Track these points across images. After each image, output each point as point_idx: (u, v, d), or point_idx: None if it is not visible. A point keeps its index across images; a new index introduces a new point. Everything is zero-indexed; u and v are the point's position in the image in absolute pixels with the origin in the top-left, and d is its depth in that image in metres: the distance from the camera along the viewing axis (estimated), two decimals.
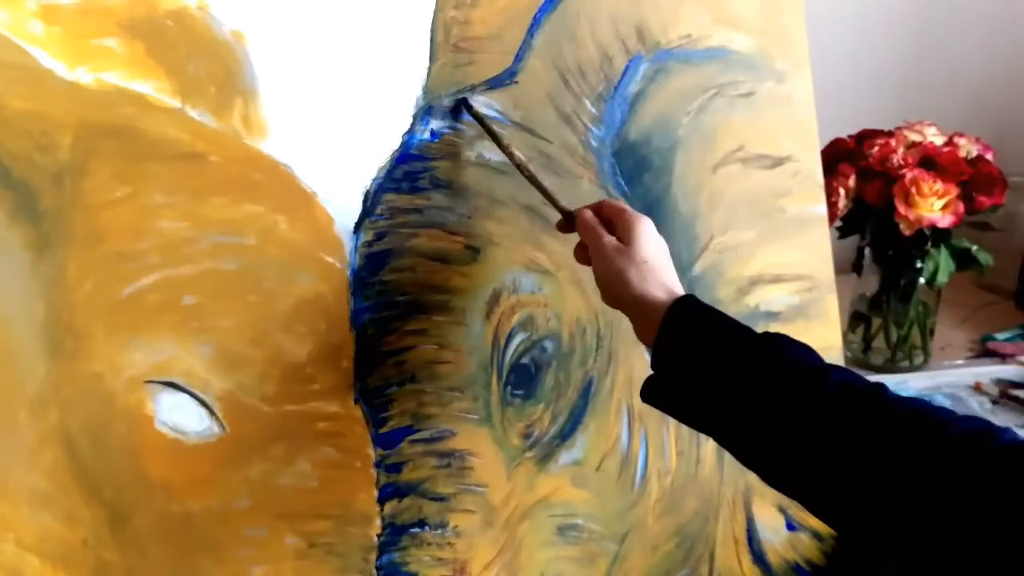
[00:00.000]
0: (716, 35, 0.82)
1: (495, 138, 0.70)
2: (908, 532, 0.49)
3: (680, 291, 0.63)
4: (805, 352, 0.58)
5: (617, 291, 0.64)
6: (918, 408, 0.52)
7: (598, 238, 0.66)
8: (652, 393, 0.62)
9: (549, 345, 0.78)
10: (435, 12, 0.68)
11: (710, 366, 0.58)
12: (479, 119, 0.70)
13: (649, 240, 0.65)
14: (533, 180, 0.70)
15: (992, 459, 0.47)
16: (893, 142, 1.09)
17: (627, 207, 0.67)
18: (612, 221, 0.66)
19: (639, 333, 0.64)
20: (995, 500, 0.46)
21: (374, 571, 0.70)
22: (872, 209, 1.10)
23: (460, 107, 0.70)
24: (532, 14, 0.72)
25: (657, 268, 0.64)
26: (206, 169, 0.60)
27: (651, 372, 0.62)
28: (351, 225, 0.66)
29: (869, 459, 0.51)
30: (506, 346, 0.75)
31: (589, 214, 0.67)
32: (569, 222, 0.69)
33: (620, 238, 0.65)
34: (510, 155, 0.70)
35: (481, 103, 0.71)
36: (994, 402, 1.11)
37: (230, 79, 0.59)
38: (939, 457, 0.49)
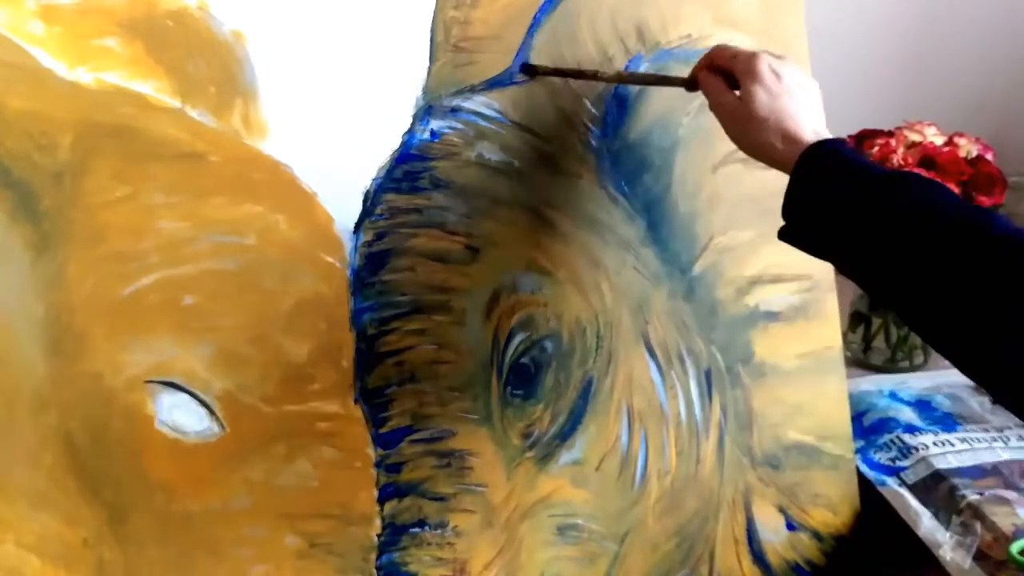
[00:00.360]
0: (716, 35, 0.82)
1: (580, 75, 0.72)
2: None
3: (805, 137, 0.61)
4: (934, 188, 0.57)
5: (743, 147, 0.65)
6: None
7: (718, 98, 0.65)
8: (792, 230, 0.62)
9: (549, 345, 0.78)
10: (435, 12, 0.68)
11: (842, 214, 0.58)
12: (551, 72, 0.72)
13: (764, 90, 0.63)
14: (639, 79, 0.71)
15: None
16: (893, 142, 1.09)
17: (737, 51, 0.66)
18: (730, 70, 0.65)
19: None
20: None
21: (374, 571, 0.70)
22: None
23: (528, 70, 0.71)
24: (532, 14, 0.72)
25: (779, 118, 0.62)
26: (206, 169, 0.60)
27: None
28: (351, 225, 0.66)
29: (987, 293, 0.50)
30: (506, 346, 0.75)
31: (706, 74, 0.67)
32: (692, 88, 0.69)
33: (740, 92, 0.64)
34: (592, 76, 0.71)
35: (481, 103, 0.71)
36: (994, 402, 1.11)
37: (230, 79, 0.59)
38: None
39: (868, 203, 0.57)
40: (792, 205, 0.61)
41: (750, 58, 0.64)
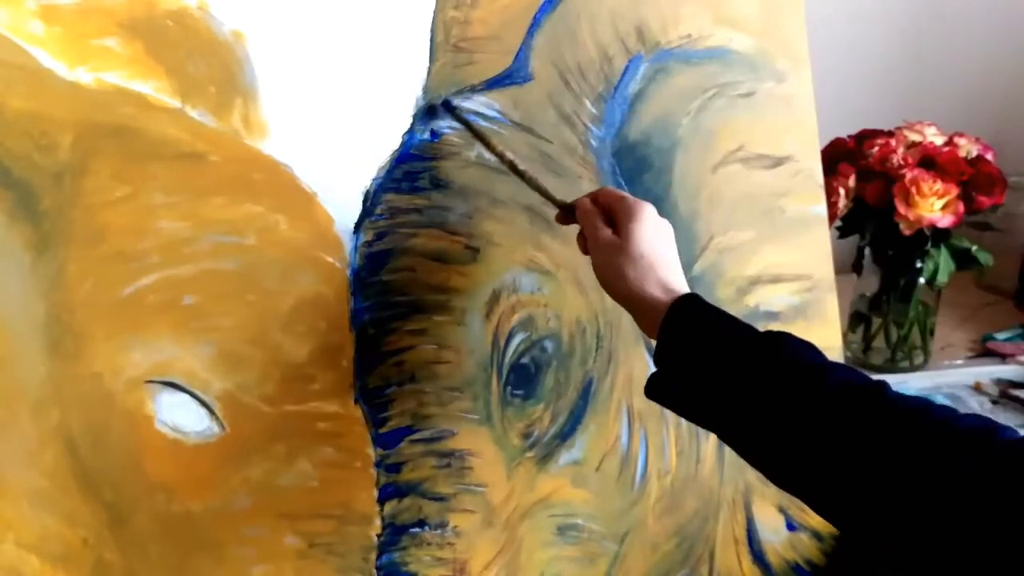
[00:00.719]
0: (716, 35, 0.82)
1: (481, 139, 0.70)
2: (911, 531, 0.49)
3: (680, 288, 0.62)
4: (808, 349, 0.57)
5: (615, 288, 0.64)
6: (920, 406, 0.52)
7: (594, 231, 0.65)
8: (656, 389, 0.61)
9: (549, 345, 0.78)
10: (435, 12, 0.68)
11: (712, 365, 0.58)
12: (463, 122, 0.70)
13: (645, 232, 0.63)
14: (525, 177, 0.69)
15: (995, 456, 0.47)
16: (893, 142, 1.09)
17: (625, 195, 0.66)
18: (611, 210, 0.65)
19: (641, 326, 0.64)
20: (998, 498, 0.46)
21: (374, 571, 0.70)
22: (872, 209, 1.10)
23: (442, 109, 0.70)
24: (532, 14, 0.72)
25: (655, 264, 0.62)
26: (206, 169, 0.60)
27: (654, 369, 0.62)
28: (351, 225, 0.66)
29: (871, 457, 0.51)
30: (506, 346, 0.75)
31: (588, 203, 0.66)
32: (568, 214, 0.69)
33: (617, 231, 0.64)
34: (500, 155, 0.69)
35: (481, 103, 0.71)
36: (994, 402, 1.11)
37: (230, 79, 0.59)
38: (942, 455, 0.48)
39: (742, 353, 0.57)
40: (666, 351, 0.60)
41: (637, 202, 0.64)
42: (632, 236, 0.63)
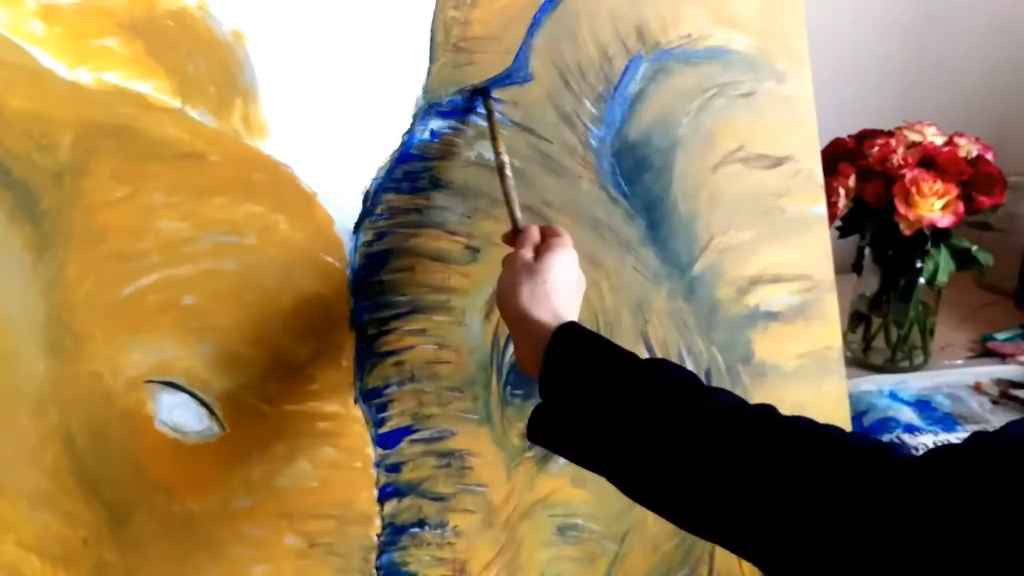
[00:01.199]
0: (716, 35, 0.82)
1: (492, 134, 0.70)
2: (802, 553, 0.47)
3: (570, 318, 0.61)
4: (687, 376, 0.56)
5: (507, 303, 0.62)
6: (806, 426, 0.50)
7: (519, 250, 0.64)
8: (539, 426, 0.59)
9: None
10: (435, 12, 0.68)
11: (592, 392, 0.56)
12: (490, 113, 0.70)
13: (559, 265, 0.62)
14: (505, 184, 0.68)
15: (887, 475, 0.45)
16: (893, 142, 1.09)
17: (564, 235, 0.65)
18: (545, 243, 0.64)
19: (520, 353, 0.61)
20: (890, 517, 0.44)
21: (374, 571, 0.70)
22: (872, 209, 1.10)
23: (477, 96, 0.70)
24: (532, 14, 0.72)
25: (554, 292, 0.61)
26: (206, 169, 0.60)
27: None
28: (351, 225, 0.66)
29: (759, 477, 0.48)
30: (506, 346, 0.75)
31: (533, 232, 0.66)
32: (514, 235, 0.67)
33: (535, 256, 0.63)
34: (497, 154, 0.69)
35: (480, 103, 0.71)
36: (994, 402, 1.11)
37: (230, 79, 0.59)
38: (831, 475, 0.46)
39: (625, 376, 0.55)
40: (549, 374, 0.58)
41: (568, 245, 0.64)
42: (544, 261, 0.62)
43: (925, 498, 0.43)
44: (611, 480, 0.56)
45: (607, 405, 0.55)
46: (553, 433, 0.58)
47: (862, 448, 0.48)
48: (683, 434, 0.51)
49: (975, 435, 0.45)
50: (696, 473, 0.50)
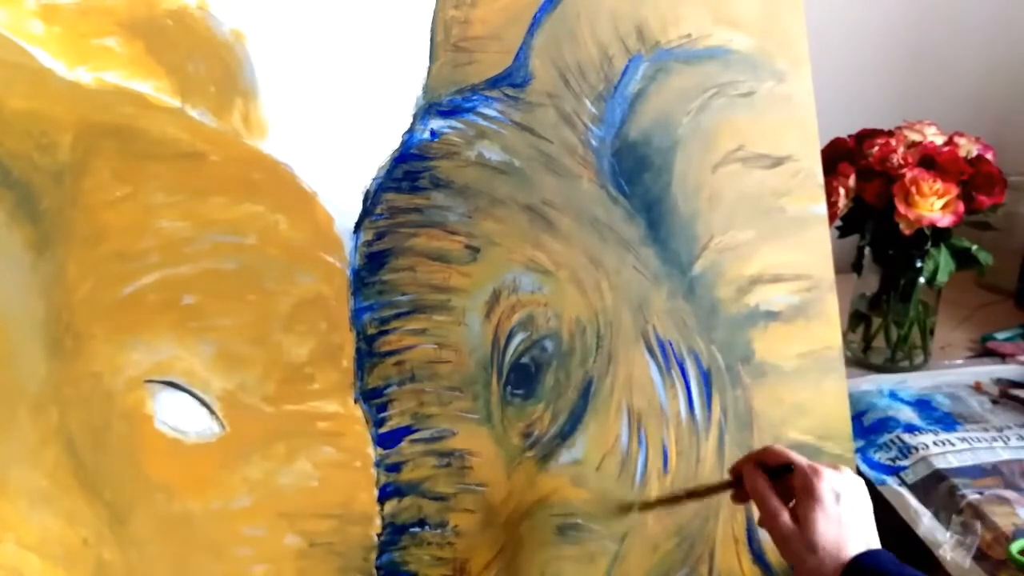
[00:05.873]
0: (716, 35, 0.82)
1: (674, 498, 0.77)
2: None
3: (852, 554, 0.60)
4: None
5: (796, 569, 0.62)
6: None
7: (770, 515, 0.63)
8: None
9: (549, 345, 0.78)
10: (435, 12, 0.68)
11: None
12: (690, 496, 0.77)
13: (827, 519, 0.61)
14: (693, 494, 0.74)
15: None
16: (893, 142, 1.09)
17: (794, 457, 0.64)
18: (784, 481, 0.64)
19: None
20: None
21: (374, 570, 0.70)
22: (872, 209, 1.10)
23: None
24: (532, 14, 0.72)
25: (838, 548, 0.60)
26: (206, 169, 0.60)
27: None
28: (351, 225, 0.66)
29: None
30: (506, 345, 0.75)
31: (756, 477, 0.65)
32: (738, 489, 0.68)
33: (795, 514, 0.62)
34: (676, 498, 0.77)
35: (480, 102, 0.71)
36: (994, 402, 1.11)
37: (230, 79, 0.59)
38: None
39: None
40: None
41: (809, 476, 0.62)
42: (810, 526, 0.61)
43: None
44: None
45: None
46: None
47: None
48: None
49: None
50: None
